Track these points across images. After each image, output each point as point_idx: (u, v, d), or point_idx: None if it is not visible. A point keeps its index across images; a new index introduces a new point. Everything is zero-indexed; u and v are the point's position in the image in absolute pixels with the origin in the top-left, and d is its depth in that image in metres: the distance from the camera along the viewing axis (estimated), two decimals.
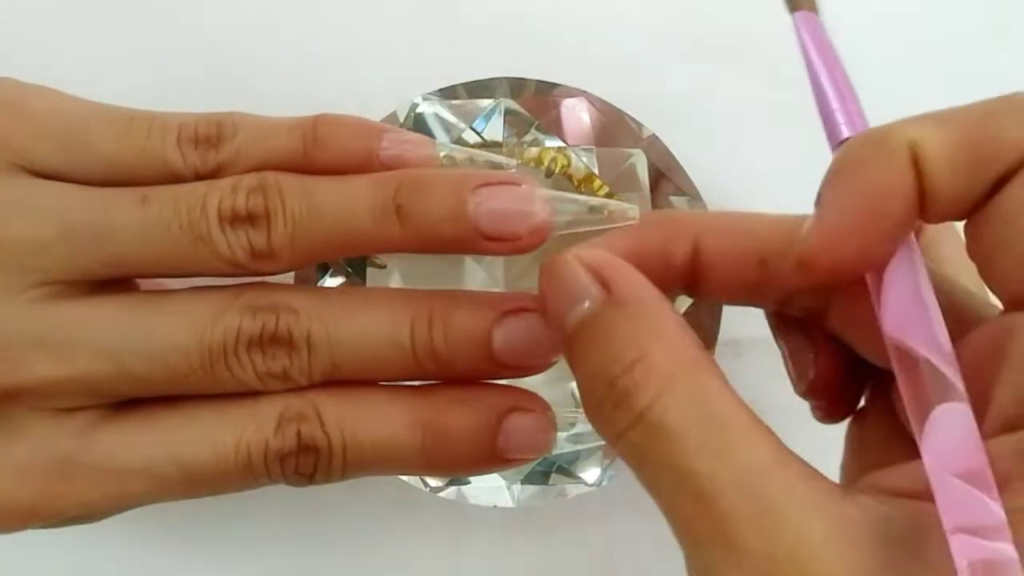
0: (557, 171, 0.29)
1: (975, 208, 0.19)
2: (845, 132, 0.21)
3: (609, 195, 0.29)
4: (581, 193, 0.29)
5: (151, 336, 0.22)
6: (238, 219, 0.22)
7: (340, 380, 0.23)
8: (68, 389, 0.22)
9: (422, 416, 0.23)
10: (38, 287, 0.22)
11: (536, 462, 0.29)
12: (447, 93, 0.29)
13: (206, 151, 0.23)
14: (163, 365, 0.22)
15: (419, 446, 0.23)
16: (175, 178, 0.23)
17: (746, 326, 0.27)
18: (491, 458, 0.23)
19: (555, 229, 0.23)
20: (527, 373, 0.23)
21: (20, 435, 0.22)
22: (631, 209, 0.23)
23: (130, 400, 0.23)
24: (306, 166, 0.23)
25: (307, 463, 0.23)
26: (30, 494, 0.22)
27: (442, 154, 0.24)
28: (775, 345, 0.25)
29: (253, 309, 0.22)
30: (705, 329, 0.29)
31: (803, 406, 0.24)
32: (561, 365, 0.29)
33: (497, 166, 0.25)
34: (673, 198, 0.29)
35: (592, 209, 0.23)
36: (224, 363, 0.22)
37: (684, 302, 0.29)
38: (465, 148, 0.25)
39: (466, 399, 0.23)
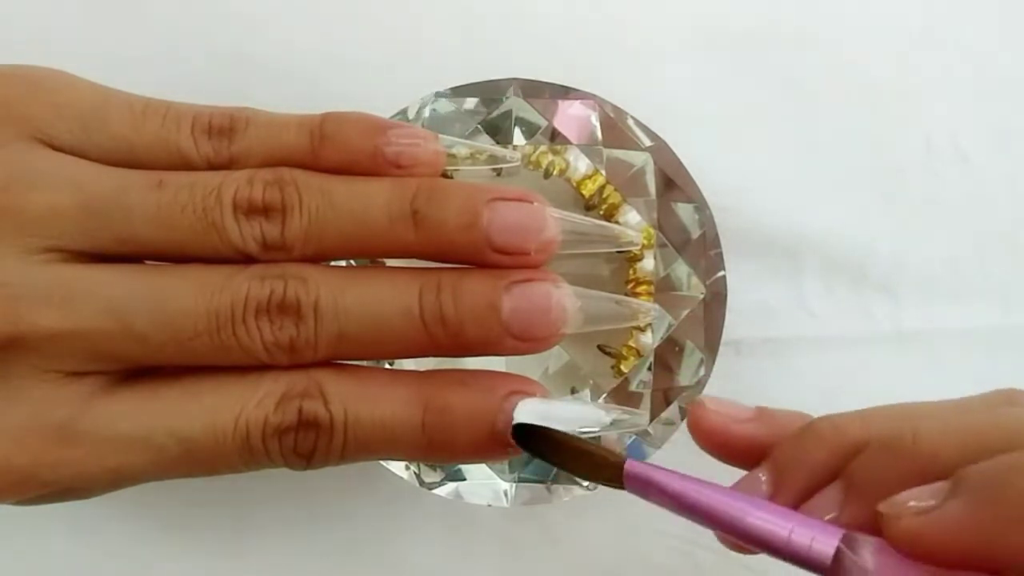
0: (555, 174, 0.29)
1: None
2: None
3: (612, 194, 0.29)
4: (588, 213, 0.29)
5: (158, 297, 0.22)
6: (253, 210, 0.23)
7: (345, 357, 0.23)
8: (71, 346, 0.22)
9: (424, 394, 0.23)
10: (51, 251, 0.22)
11: (533, 464, 0.29)
12: (459, 92, 0.29)
13: (219, 142, 0.24)
14: (168, 326, 0.22)
15: (420, 425, 0.23)
16: (187, 166, 0.24)
17: (746, 326, 0.27)
18: (491, 441, 0.23)
19: (562, 248, 0.24)
20: (534, 347, 0.24)
21: (22, 398, 0.22)
22: (635, 235, 0.24)
23: (135, 372, 0.23)
24: (314, 163, 0.24)
25: (307, 441, 0.23)
26: (28, 459, 0.22)
27: (446, 148, 0.25)
28: (775, 345, 0.25)
29: (262, 276, 0.23)
30: (709, 329, 0.29)
31: (801, 406, 0.24)
32: (564, 363, 0.30)
33: (501, 159, 0.25)
34: (679, 205, 0.29)
35: (598, 229, 0.24)
36: (231, 329, 0.22)
37: (689, 300, 0.29)
38: (469, 142, 0.25)
39: (467, 380, 0.24)
